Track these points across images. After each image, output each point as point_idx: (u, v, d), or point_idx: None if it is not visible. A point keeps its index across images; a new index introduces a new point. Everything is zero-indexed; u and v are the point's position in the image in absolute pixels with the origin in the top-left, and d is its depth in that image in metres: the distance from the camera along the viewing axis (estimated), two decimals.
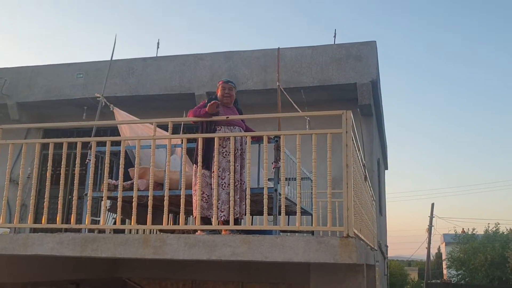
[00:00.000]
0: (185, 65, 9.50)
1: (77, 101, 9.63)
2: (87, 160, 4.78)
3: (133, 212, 3.89)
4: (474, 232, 27.90)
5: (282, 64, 8.00)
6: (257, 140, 4.61)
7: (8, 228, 5.97)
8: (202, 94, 9.10)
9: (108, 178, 4.51)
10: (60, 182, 4.19)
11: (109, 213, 6.39)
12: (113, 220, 6.73)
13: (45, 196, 4.24)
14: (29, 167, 9.02)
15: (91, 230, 4.74)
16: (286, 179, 3.95)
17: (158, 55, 10.10)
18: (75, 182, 4.15)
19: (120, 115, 5.94)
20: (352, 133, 3.60)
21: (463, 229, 27.78)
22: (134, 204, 3.90)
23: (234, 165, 3.88)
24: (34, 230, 8.07)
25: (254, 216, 6.67)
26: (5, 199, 4.71)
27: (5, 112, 9.90)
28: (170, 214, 5.85)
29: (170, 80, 9.43)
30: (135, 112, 7.15)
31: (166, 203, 3.85)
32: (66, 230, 4.39)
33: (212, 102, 4.14)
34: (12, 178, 10.39)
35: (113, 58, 7.14)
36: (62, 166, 4.20)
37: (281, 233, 4.35)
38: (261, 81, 8.97)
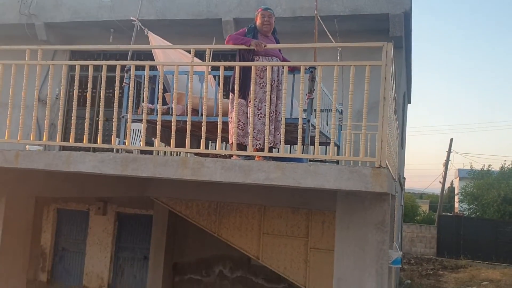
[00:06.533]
0: None
1: (103, 23, 9.58)
2: (124, 84, 4.89)
3: (172, 135, 4.05)
4: (490, 168, 28.11)
5: None
6: (291, 70, 4.63)
7: (39, 145, 6.23)
8: (229, 20, 8.97)
9: (142, 102, 4.64)
10: (101, 103, 4.34)
11: (136, 136, 6.62)
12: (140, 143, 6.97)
13: (86, 117, 4.36)
14: (57, 88, 9.21)
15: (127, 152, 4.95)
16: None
17: None
18: (115, 103, 4.29)
19: (154, 39, 5.95)
20: (390, 66, 3.62)
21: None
22: (173, 127, 4.05)
23: (270, 96, 3.94)
24: (63, 149, 8.43)
25: (285, 145, 6.86)
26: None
27: (33, 33, 9.93)
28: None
29: (197, 5, 9.26)
30: (161, 37, 7.13)
31: (203, 128, 3.98)
32: (95, 150, 4.57)
33: (257, 42, 4.18)
34: (41, 98, 10.68)
35: None
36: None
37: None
38: (290, 9, 8.76)
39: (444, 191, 28.97)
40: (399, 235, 13.23)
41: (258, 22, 4.58)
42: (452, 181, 41.88)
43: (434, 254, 21.59)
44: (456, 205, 33.15)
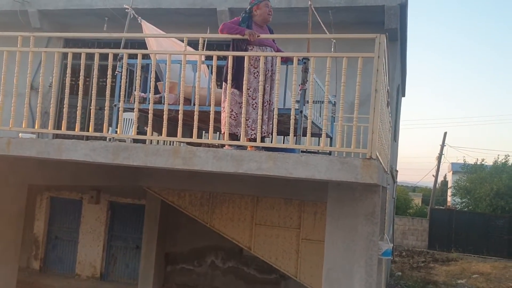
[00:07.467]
0: None
1: (98, 11, 9.52)
2: (116, 72, 4.86)
3: (164, 124, 4.04)
4: (483, 162, 28.29)
5: None
6: (285, 61, 4.63)
7: (32, 133, 6.20)
8: (224, 10, 8.94)
9: (134, 91, 4.62)
10: (93, 92, 4.32)
11: (129, 126, 6.61)
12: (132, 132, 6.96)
13: (78, 105, 4.37)
14: (50, 76, 9.15)
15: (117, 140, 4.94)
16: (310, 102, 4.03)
17: None
18: (107, 92, 4.27)
19: (148, 28, 5.92)
20: (383, 58, 3.62)
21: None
22: (165, 116, 4.04)
23: (264, 86, 3.93)
24: (56, 137, 8.39)
25: (278, 136, 6.87)
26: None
27: (26, 20, 9.85)
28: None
29: None
30: (156, 26, 7.09)
31: (196, 117, 3.98)
32: (87, 138, 4.57)
33: (251, 31, 4.17)
34: (34, 86, 10.61)
35: None
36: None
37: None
38: None
39: (437, 185, 29.15)
40: (391, 227, 13.33)
41: (260, 11, 4.52)
42: (445, 175, 42.14)
43: (425, 247, 21.77)
44: (449, 198, 33.37)
